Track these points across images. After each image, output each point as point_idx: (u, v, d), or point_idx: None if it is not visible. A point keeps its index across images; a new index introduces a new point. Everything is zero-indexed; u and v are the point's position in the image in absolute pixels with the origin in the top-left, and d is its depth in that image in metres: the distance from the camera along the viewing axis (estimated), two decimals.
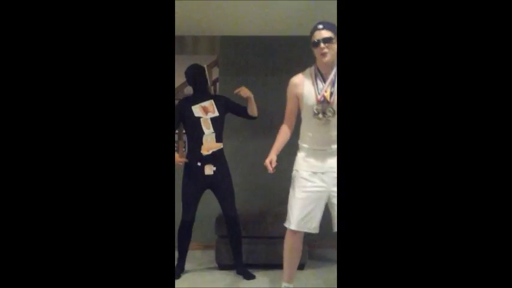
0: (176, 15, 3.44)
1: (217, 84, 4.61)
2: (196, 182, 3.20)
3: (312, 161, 2.48)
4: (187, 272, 3.40)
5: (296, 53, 4.11)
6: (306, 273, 3.39)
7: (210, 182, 3.22)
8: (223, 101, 3.30)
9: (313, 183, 2.46)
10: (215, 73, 4.55)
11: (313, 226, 2.50)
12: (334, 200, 2.42)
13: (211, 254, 3.65)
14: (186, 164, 3.24)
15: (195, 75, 3.29)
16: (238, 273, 3.33)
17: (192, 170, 3.20)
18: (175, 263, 3.28)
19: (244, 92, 3.14)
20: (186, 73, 3.33)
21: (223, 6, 3.36)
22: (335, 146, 2.42)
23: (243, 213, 3.44)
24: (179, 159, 3.20)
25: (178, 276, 3.29)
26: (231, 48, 4.28)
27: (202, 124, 3.20)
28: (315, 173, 2.46)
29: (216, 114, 3.23)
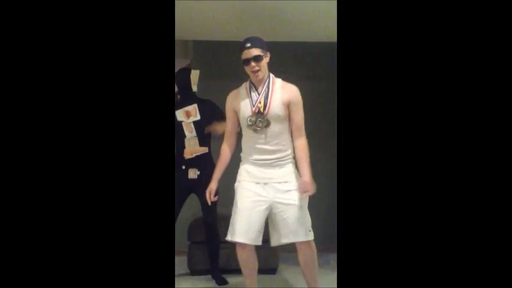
0: None
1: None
2: (181, 185, 3.14)
3: (253, 171, 2.49)
4: None
5: (272, 59, 4.13)
6: (277, 277, 3.40)
7: (194, 186, 3.18)
8: (209, 107, 3.28)
9: (255, 194, 2.45)
10: None
11: (254, 236, 2.44)
12: (276, 211, 2.43)
13: (182, 260, 3.62)
14: None
15: (181, 79, 3.28)
16: (213, 277, 3.30)
17: (176, 173, 3.13)
18: None
19: (217, 128, 3.16)
20: (177, 76, 3.32)
21: (196, 10, 3.35)
22: (275, 156, 2.45)
23: (223, 217, 3.41)
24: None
25: None
26: (204, 52, 4.27)
27: (184, 128, 3.19)
28: (257, 183, 2.47)
29: (198, 118, 3.21)
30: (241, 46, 2.45)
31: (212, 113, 3.27)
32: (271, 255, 3.35)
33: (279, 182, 2.45)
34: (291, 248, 3.96)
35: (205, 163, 3.21)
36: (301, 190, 2.38)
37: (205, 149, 3.22)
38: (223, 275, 3.29)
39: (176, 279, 3.35)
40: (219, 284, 3.22)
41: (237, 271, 3.33)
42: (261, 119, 2.42)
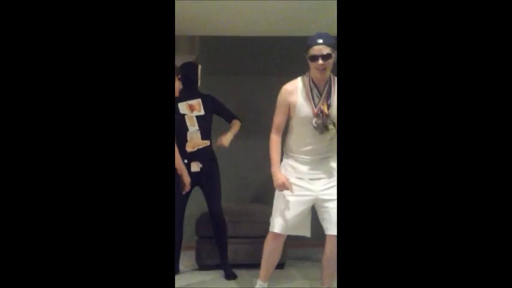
0: None
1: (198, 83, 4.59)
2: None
3: (299, 167, 2.47)
4: None
5: (276, 54, 4.13)
6: (285, 272, 3.40)
7: (198, 179, 3.19)
8: (211, 102, 3.29)
9: (300, 188, 2.45)
10: None
11: (301, 230, 2.51)
12: (325, 204, 2.43)
13: (191, 254, 3.64)
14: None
15: (187, 72, 3.27)
16: (223, 270, 3.31)
17: None
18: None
19: (225, 142, 3.20)
20: (179, 69, 3.31)
21: (202, 6, 3.35)
22: (325, 155, 2.43)
23: (228, 212, 3.43)
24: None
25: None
26: (210, 48, 4.27)
27: (187, 121, 3.19)
28: (301, 178, 2.46)
29: (202, 113, 3.22)
30: (310, 41, 2.33)
31: (214, 107, 3.29)
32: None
33: (323, 178, 2.45)
34: (298, 243, 3.97)
35: (207, 156, 3.24)
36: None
37: (207, 142, 3.24)
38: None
39: (184, 274, 3.38)
40: (227, 278, 3.24)
41: (245, 266, 3.37)
42: (330, 121, 2.36)
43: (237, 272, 3.30)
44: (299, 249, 3.82)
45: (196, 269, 3.50)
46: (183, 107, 3.22)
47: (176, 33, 4.93)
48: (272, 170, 2.45)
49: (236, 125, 3.32)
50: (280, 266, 3.41)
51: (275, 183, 2.45)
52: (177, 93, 2.89)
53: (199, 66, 3.41)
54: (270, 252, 2.57)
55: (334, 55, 2.33)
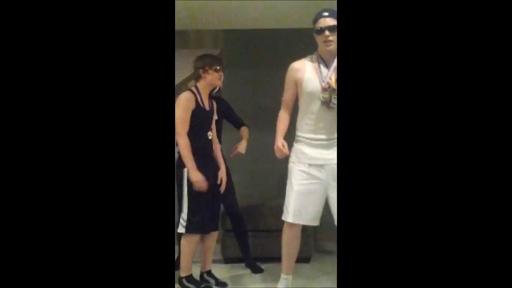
0: (179, 9, 3.44)
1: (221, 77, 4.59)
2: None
3: (309, 152, 2.43)
4: (193, 266, 3.41)
5: (300, 46, 4.08)
6: (311, 266, 3.39)
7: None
8: (223, 106, 3.30)
9: (311, 176, 2.43)
10: None
11: (310, 218, 2.47)
12: (333, 194, 2.37)
13: (216, 247, 3.66)
14: None
15: None
16: (247, 266, 3.34)
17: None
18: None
19: (240, 149, 3.23)
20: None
21: (226, 0, 3.34)
22: (334, 136, 2.38)
23: (244, 207, 3.44)
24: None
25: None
26: (234, 42, 4.26)
27: None
28: (312, 165, 2.43)
29: (215, 117, 3.23)
30: (316, 16, 2.38)
31: (225, 112, 3.29)
32: (305, 244, 3.34)
33: (335, 164, 2.35)
34: (325, 236, 3.94)
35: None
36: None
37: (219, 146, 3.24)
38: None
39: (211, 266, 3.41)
40: (255, 273, 3.25)
41: (267, 259, 3.37)
42: (335, 96, 2.31)
43: (262, 265, 3.31)
44: (326, 242, 3.80)
45: (221, 262, 3.52)
46: None
47: (199, 27, 4.97)
48: (276, 138, 2.48)
49: (247, 132, 3.33)
50: (306, 259, 3.41)
51: (275, 148, 2.46)
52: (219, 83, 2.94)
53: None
54: (287, 242, 2.55)
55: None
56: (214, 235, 2.87)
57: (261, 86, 4.08)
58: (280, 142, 2.45)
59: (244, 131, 3.34)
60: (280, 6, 3.51)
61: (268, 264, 3.35)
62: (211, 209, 2.74)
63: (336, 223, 2.39)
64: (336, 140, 2.37)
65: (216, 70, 2.79)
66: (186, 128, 2.64)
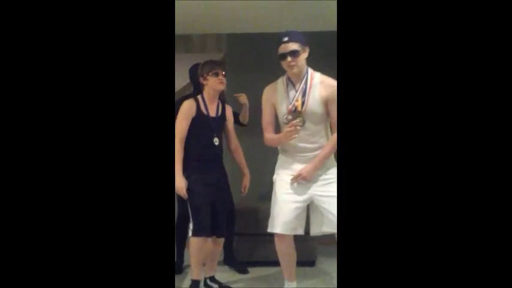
0: (182, 13, 3.44)
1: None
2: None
3: (293, 165, 2.46)
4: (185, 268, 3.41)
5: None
6: (316, 270, 3.38)
7: None
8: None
9: (294, 187, 2.43)
10: None
11: (296, 228, 2.47)
12: (317, 203, 2.42)
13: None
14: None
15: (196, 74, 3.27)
16: (231, 267, 3.36)
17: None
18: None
19: (243, 98, 3.21)
20: (190, 71, 3.36)
21: (229, 4, 3.35)
22: (313, 153, 2.41)
23: (242, 210, 3.44)
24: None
25: (180, 271, 3.28)
26: (238, 45, 4.26)
27: None
28: (293, 176, 2.44)
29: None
30: (278, 39, 2.40)
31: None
32: (309, 248, 3.33)
33: (319, 175, 2.42)
34: (330, 240, 3.93)
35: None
36: (296, 177, 2.38)
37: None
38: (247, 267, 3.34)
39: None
40: (241, 273, 3.29)
41: (258, 263, 3.36)
42: (300, 118, 2.35)
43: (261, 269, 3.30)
44: (330, 246, 3.79)
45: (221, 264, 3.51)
46: None
47: (202, 31, 4.99)
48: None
49: (244, 97, 3.28)
50: (310, 263, 3.39)
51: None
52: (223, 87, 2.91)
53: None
54: (282, 254, 2.55)
55: (305, 51, 2.36)
56: (218, 241, 2.86)
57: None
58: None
59: (243, 98, 3.28)
60: (283, 9, 3.52)
61: (272, 269, 3.34)
62: (211, 214, 2.73)
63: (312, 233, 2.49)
64: (315, 157, 2.41)
65: (215, 74, 2.76)
66: (181, 135, 2.70)
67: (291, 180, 2.42)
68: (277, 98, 2.46)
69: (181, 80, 4.14)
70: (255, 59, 4.22)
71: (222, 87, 2.82)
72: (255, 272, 3.34)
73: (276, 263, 3.31)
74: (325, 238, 3.40)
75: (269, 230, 2.49)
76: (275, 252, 2.47)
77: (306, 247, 3.19)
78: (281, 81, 2.50)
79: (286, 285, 2.63)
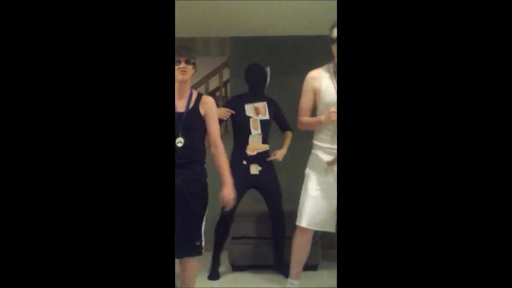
0: (186, 16, 3.46)
1: (228, 85, 4.61)
2: (240, 180, 3.09)
3: (326, 159, 2.44)
4: (200, 274, 3.40)
5: (307, 53, 4.09)
6: (319, 273, 3.37)
7: (256, 182, 3.20)
8: (274, 106, 3.31)
9: (326, 182, 2.43)
10: (226, 74, 4.55)
11: (327, 225, 2.48)
12: None
13: (223, 255, 3.65)
14: (232, 160, 3.16)
15: (254, 74, 3.29)
16: (280, 272, 3.29)
17: (237, 167, 3.13)
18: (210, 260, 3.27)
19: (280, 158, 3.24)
20: (247, 70, 3.34)
21: (233, 7, 3.35)
22: None
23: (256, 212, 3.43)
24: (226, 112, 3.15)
25: (217, 276, 3.25)
26: (241, 48, 4.27)
27: (251, 124, 3.19)
28: (329, 172, 2.43)
29: (267, 117, 3.23)
30: (332, 24, 2.36)
31: (275, 113, 3.30)
32: (313, 252, 3.32)
33: None
34: (333, 244, 3.91)
35: (265, 160, 3.24)
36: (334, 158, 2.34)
37: (266, 147, 3.24)
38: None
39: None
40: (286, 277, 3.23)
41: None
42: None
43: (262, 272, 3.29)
44: (334, 250, 3.77)
45: (229, 269, 3.50)
46: (249, 109, 3.21)
47: (206, 35, 5.01)
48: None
49: (289, 138, 3.34)
50: (313, 267, 3.38)
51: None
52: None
53: (268, 69, 3.36)
54: (298, 248, 2.56)
55: None
56: (189, 262, 2.36)
57: (269, 92, 4.08)
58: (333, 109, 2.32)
59: (288, 136, 3.34)
60: (286, 13, 3.52)
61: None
62: (181, 229, 2.22)
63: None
64: None
65: (177, 63, 2.26)
66: None
67: (328, 163, 2.37)
68: (322, 85, 2.42)
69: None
70: (259, 62, 4.22)
71: (182, 77, 2.29)
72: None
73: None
74: (329, 242, 3.39)
75: (297, 223, 2.50)
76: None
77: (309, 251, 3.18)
78: (327, 68, 2.45)
79: (288, 284, 2.63)
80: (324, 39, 3.57)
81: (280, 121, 3.35)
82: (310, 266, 3.29)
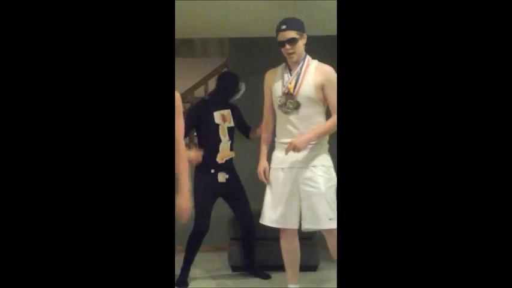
0: (184, 17, 3.45)
1: None
2: (209, 189, 3.14)
3: (280, 156, 2.48)
4: (199, 275, 3.39)
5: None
6: (318, 274, 3.37)
7: (223, 190, 3.20)
8: (237, 114, 3.32)
9: (282, 179, 2.46)
10: None
11: (288, 222, 2.47)
12: (302, 196, 2.41)
13: (223, 256, 3.65)
14: (197, 171, 3.17)
15: (225, 81, 3.30)
16: (251, 273, 3.32)
17: (206, 177, 3.14)
18: (179, 272, 3.17)
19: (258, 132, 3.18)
20: (220, 77, 3.36)
21: (231, 8, 3.36)
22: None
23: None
24: (195, 157, 3.03)
25: (186, 285, 3.18)
26: (240, 50, 4.27)
27: (220, 132, 3.18)
28: (282, 168, 2.47)
29: (232, 124, 3.25)
30: (277, 28, 2.44)
31: (238, 119, 3.31)
32: (312, 253, 3.33)
33: (306, 167, 2.42)
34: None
35: (232, 167, 3.26)
36: (288, 147, 2.37)
37: (233, 154, 3.25)
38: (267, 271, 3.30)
39: (217, 275, 3.39)
40: (263, 279, 3.25)
41: (276, 267, 3.35)
42: (290, 100, 2.40)
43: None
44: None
45: (229, 270, 3.50)
46: (217, 117, 3.20)
47: (205, 36, 4.98)
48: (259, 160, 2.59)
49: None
50: (313, 268, 3.38)
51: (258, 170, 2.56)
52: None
53: (242, 83, 3.38)
54: (284, 249, 2.58)
55: (303, 38, 2.42)
56: None
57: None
58: (263, 167, 2.55)
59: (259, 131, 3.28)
60: (286, 14, 3.52)
61: (275, 273, 3.34)
62: None
63: (302, 228, 2.44)
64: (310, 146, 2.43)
65: None
66: None
67: (285, 151, 2.39)
68: (274, 83, 2.52)
69: (184, 83, 4.16)
70: (258, 63, 4.22)
71: None
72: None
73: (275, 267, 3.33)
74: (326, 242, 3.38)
75: (260, 221, 2.54)
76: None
77: (308, 251, 3.18)
78: (280, 67, 2.56)
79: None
80: (323, 40, 3.58)
81: (243, 128, 3.35)
82: (309, 267, 3.29)
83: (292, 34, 2.38)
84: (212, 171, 3.16)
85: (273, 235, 3.38)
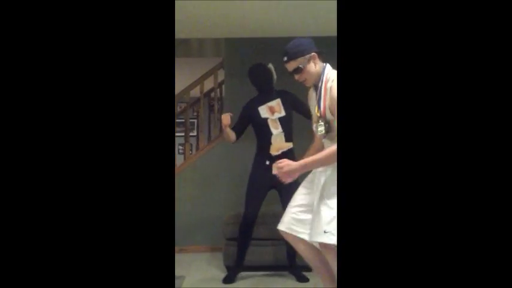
0: (181, 17, 3.45)
1: (223, 86, 4.61)
2: (263, 180, 3.12)
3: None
4: (195, 275, 3.38)
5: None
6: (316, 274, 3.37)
7: (276, 182, 3.13)
8: (290, 99, 3.21)
9: (304, 188, 2.41)
10: (221, 75, 4.55)
11: (297, 229, 2.29)
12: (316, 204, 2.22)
13: (218, 256, 3.64)
14: (254, 162, 3.19)
15: (259, 75, 3.23)
16: (291, 273, 3.29)
17: (261, 168, 3.14)
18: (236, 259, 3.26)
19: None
20: (250, 73, 3.26)
21: (228, 8, 3.36)
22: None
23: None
24: (225, 121, 3.09)
25: (235, 276, 3.22)
26: (236, 50, 4.27)
27: (270, 125, 3.15)
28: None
29: (283, 113, 3.16)
30: (284, 53, 2.25)
31: (292, 104, 3.19)
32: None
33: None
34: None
35: (290, 158, 3.15)
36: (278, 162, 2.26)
37: (290, 145, 3.16)
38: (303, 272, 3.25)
39: (212, 274, 3.38)
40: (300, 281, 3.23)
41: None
42: (321, 123, 2.16)
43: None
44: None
45: (224, 271, 3.50)
46: (263, 111, 3.16)
47: (201, 36, 4.99)
48: None
49: None
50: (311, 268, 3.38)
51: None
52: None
53: (271, 65, 3.26)
54: (305, 257, 2.38)
55: (310, 60, 2.18)
56: None
57: None
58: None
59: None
60: (282, 14, 3.52)
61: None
62: None
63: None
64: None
65: None
66: None
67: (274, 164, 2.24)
68: (311, 105, 2.31)
69: (180, 83, 4.15)
70: (253, 62, 4.22)
71: None
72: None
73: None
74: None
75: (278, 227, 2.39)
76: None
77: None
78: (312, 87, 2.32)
79: None
80: (321, 40, 3.59)
81: (300, 109, 3.17)
82: (309, 267, 3.29)
83: (294, 65, 2.18)
84: (267, 162, 3.12)
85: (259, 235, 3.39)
